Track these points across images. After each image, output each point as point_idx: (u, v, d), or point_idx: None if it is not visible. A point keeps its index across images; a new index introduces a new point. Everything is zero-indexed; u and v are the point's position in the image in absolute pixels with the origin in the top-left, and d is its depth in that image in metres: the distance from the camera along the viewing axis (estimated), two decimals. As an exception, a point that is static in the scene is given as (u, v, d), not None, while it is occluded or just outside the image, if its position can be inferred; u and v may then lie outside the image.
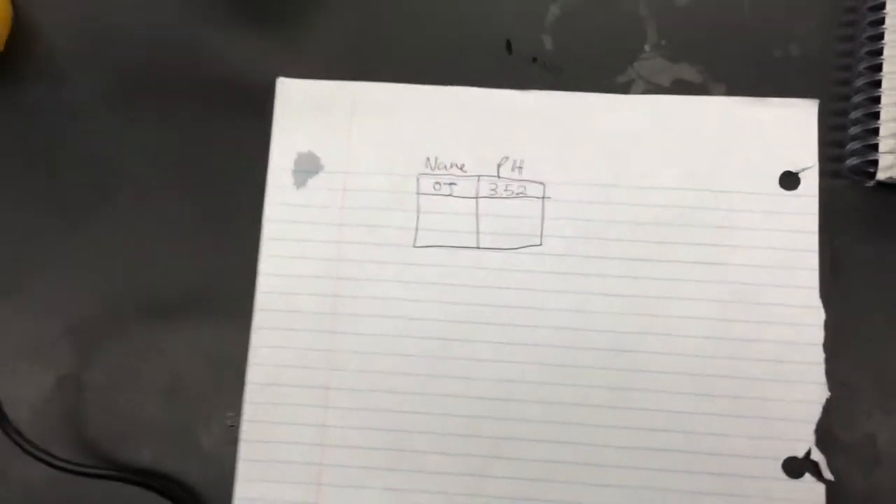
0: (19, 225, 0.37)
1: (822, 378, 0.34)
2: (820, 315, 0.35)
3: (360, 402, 0.35)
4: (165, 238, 0.37)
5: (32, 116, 0.38)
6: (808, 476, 0.34)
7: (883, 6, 0.36)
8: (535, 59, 0.38)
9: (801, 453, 0.34)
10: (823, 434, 0.34)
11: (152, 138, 0.38)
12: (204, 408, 0.35)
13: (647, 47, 0.38)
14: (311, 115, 0.37)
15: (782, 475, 0.34)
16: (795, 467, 0.34)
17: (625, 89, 0.37)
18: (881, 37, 0.36)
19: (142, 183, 0.37)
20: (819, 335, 0.35)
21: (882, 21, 0.36)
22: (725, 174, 0.36)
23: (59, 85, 0.38)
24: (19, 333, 0.36)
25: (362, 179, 0.37)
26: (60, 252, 0.37)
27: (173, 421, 0.35)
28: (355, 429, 0.34)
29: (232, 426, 0.35)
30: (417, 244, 0.36)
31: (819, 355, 0.35)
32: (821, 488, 0.34)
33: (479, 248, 0.36)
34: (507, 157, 0.37)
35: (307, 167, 0.37)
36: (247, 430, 0.35)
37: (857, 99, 0.36)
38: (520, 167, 0.36)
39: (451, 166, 0.37)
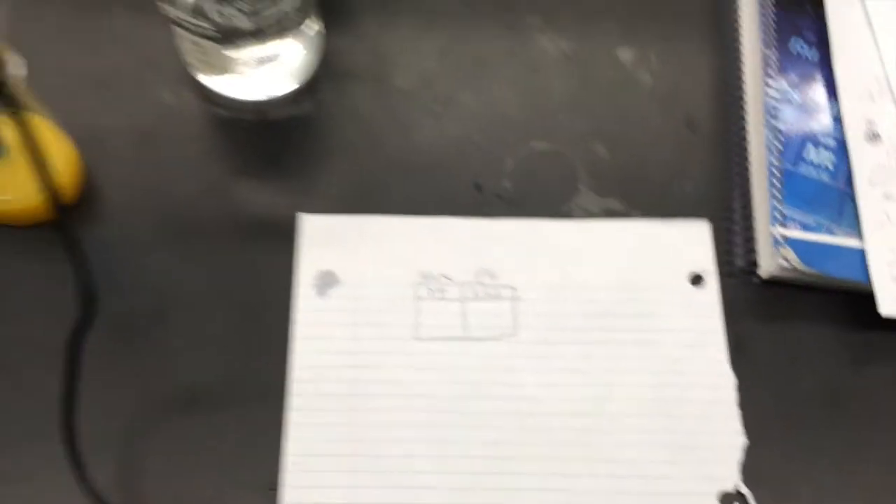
0: (87, 343, 0.44)
1: (740, 428, 0.44)
2: (732, 380, 0.45)
3: (380, 465, 0.42)
4: (210, 344, 0.45)
5: (97, 252, 0.46)
6: (737, 504, 0.43)
7: (747, 158, 0.50)
8: (499, 196, 0.49)
9: (731, 488, 0.43)
10: (746, 470, 0.44)
11: (199, 265, 0.46)
12: (247, 477, 0.42)
13: (581, 186, 0.50)
14: (328, 242, 0.47)
15: (718, 505, 0.43)
16: (729, 499, 0.43)
17: (567, 215, 0.49)
18: (748, 171, 0.49)
19: (190, 301, 0.46)
20: (733, 395, 0.45)
21: (747, 161, 0.50)
22: (647, 276, 0.47)
23: (118, 226, 0.47)
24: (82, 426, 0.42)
25: (371, 289, 0.46)
26: (118, 361, 0.44)
27: (220, 489, 0.42)
28: (377, 488, 0.42)
29: (272, 490, 0.42)
30: (417, 337, 0.45)
31: (735, 410, 0.45)
32: (747, 513, 0.43)
33: (466, 338, 0.45)
34: (483, 268, 0.47)
35: (327, 281, 0.46)
36: (288, 493, 0.42)
37: (737, 217, 0.49)
38: (493, 275, 0.47)
39: (441, 277, 0.47)
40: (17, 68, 0.40)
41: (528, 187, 0.50)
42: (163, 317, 0.45)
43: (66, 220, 0.39)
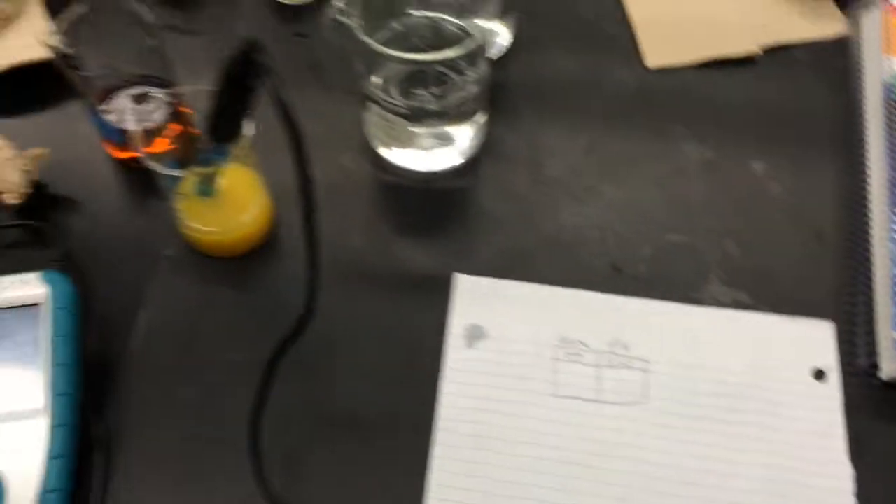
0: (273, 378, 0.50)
1: (856, 518, 0.46)
2: (849, 472, 0.48)
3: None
4: (370, 377, 0.50)
5: (279, 286, 0.53)
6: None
7: (870, 269, 0.53)
8: (635, 278, 0.54)
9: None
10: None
11: (364, 308, 0.52)
12: (393, 496, 0.46)
13: (712, 277, 0.54)
14: (479, 300, 0.52)
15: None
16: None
17: (698, 302, 0.53)
18: (872, 280, 0.53)
19: (353, 338, 0.51)
20: (850, 486, 0.47)
21: (871, 271, 0.53)
22: (772, 366, 0.51)
23: (297, 265, 0.54)
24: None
25: (514, 345, 0.51)
26: (292, 382, 0.49)
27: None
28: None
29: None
30: (555, 394, 0.49)
31: (852, 501, 0.47)
32: None
33: (599, 401, 0.49)
34: (617, 340, 0.51)
35: (475, 334, 0.51)
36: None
37: (860, 320, 0.52)
38: (626, 347, 0.51)
39: (578, 342, 0.51)
40: (249, 129, 0.47)
41: (662, 273, 0.54)
42: (331, 349, 0.51)
43: (315, 249, 0.46)
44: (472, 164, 0.59)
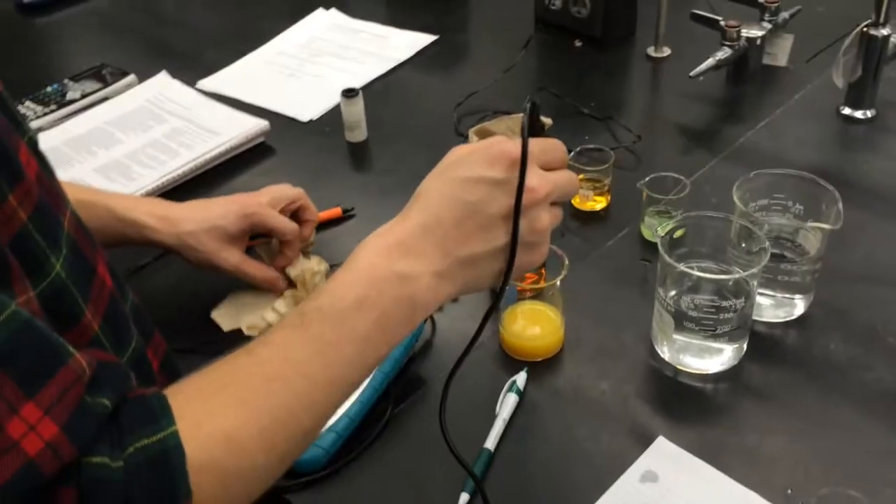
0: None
1: None
2: None
3: None
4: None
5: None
6: None
7: None
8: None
9: None
10: None
11: (562, 434, 0.70)
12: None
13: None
14: (667, 461, 0.66)
15: None
16: None
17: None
18: None
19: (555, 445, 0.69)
20: None
21: None
22: None
23: (586, 376, 0.74)
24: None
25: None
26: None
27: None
28: None
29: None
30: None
31: None
32: None
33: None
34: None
35: (649, 477, 0.65)
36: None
37: None
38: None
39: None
40: (564, 269, 0.70)
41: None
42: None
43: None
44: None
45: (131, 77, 1.18)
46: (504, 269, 0.57)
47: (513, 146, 0.55)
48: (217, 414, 0.49)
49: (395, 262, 0.54)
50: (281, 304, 0.82)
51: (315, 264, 0.85)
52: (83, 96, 1.14)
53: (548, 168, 0.57)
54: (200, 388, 0.50)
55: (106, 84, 1.16)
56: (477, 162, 0.55)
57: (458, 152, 0.58)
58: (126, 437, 0.45)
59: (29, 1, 1.40)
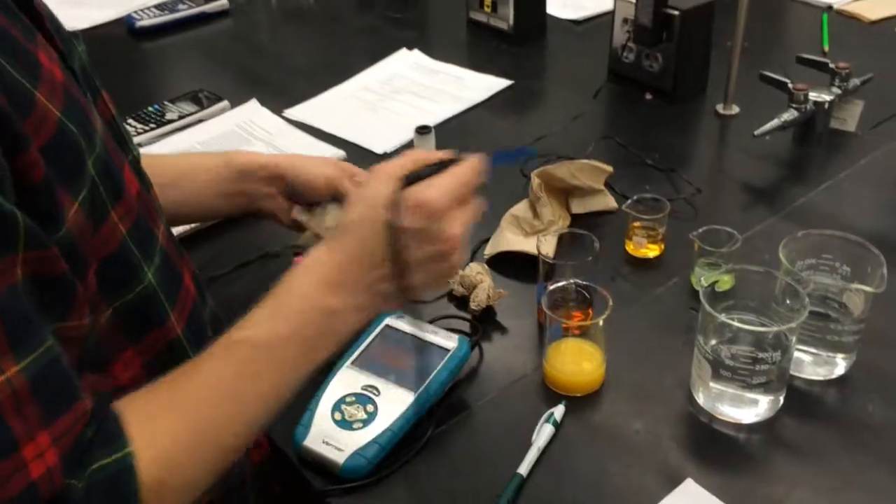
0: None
1: None
2: None
3: None
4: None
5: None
6: None
7: None
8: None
9: None
10: None
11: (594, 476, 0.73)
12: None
13: None
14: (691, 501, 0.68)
15: None
16: None
17: None
18: None
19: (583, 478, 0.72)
20: None
21: None
22: None
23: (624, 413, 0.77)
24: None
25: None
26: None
27: None
28: None
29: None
30: None
31: None
32: None
33: None
34: None
35: (677, 525, 0.67)
36: None
37: None
38: None
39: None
40: (607, 309, 0.74)
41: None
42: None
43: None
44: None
45: (224, 102, 1.27)
46: (406, 285, 0.62)
47: (433, 195, 0.61)
48: (161, 434, 0.54)
49: (324, 298, 0.61)
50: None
51: None
52: (180, 117, 1.23)
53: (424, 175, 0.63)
54: (147, 407, 0.55)
55: (201, 107, 1.26)
56: (400, 206, 0.60)
57: (375, 185, 0.62)
58: (86, 456, 0.49)
59: (140, 26, 1.51)
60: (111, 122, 0.64)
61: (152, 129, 1.20)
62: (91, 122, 0.56)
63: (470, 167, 0.65)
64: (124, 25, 1.53)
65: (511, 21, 1.44)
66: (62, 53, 0.58)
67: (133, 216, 0.59)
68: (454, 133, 1.23)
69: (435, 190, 0.61)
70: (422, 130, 1.11)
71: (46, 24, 0.58)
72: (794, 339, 0.73)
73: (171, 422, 0.55)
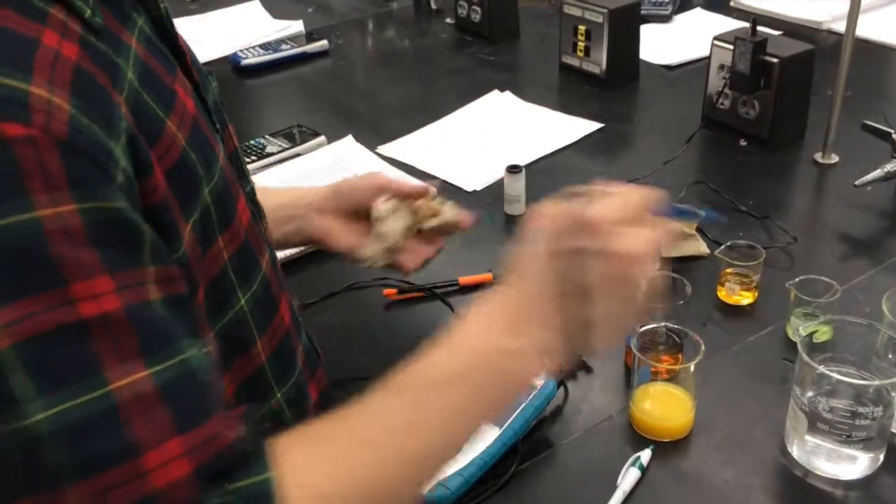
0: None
1: None
2: None
3: None
4: None
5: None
6: None
7: None
8: None
9: None
10: None
11: None
12: None
13: None
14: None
15: None
16: None
17: None
18: None
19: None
20: None
21: None
22: None
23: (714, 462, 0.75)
24: None
25: None
26: None
27: None
28: None
29: None
30: None
31: None
32: None
33: None
34: None
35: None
36: None
37: None
38: None
39: None
40: (700, 354, 0.72)
41: None
42: None
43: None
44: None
45: (321, 138, 1.32)
46: (589, 318, 0.55)
47: (597, 212, 0.54)
48: (313, 469, 0.50)
49: (499, 338, 0.55)
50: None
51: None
52: (279, 151, 1.28)
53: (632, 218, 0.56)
54: (303, 442, 0.51)
55: (298, 142, 1.30)
56: (566, 232, 0.55)
57: (542, 220, 0.57)
58: (226, 475, 0.46)
59: (245, 65, 1.59)
60: (233, 154, 0.67)
61: (253, 160, 1.25)
62: (215, 152, 0.59)
63: (638, 188, 0.58)
64: (230, 63, 1.61)
65: (603, 65, 1.45)
66: (197, 86, 0.62)
67: (238, 243, 0.61)
68: (544, 173, 1.23)
69: (596, 206, 0.55)
70: (512, 169, 1.12)
71: (188, 59, 0.62)
72: (896, 394, 0.70)
73: (327, 459, 0.51)
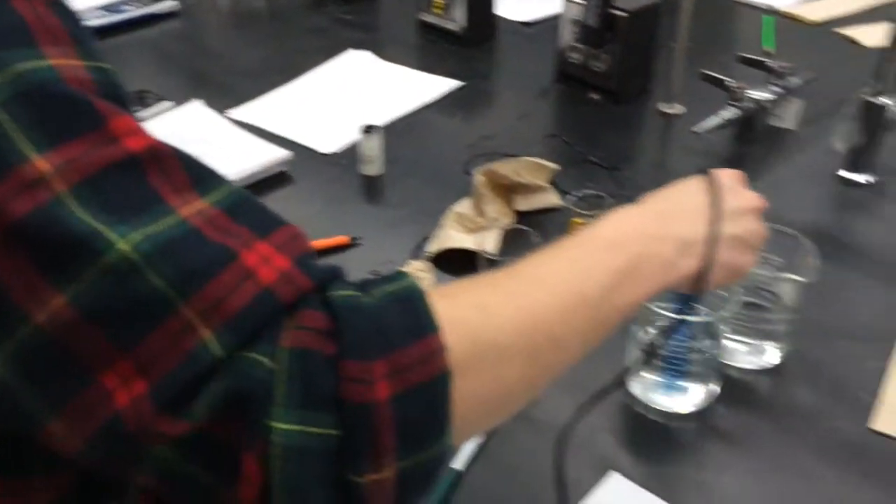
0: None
1: None
2: None
3: None
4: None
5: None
6: None
7: None
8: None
9: None
10: None
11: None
12: None
13: None
14: (616, 499, 0.69)
15: None
16: None
17: None
18: None
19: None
20: None
21: None
22: None
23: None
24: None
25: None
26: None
27: None
28: None
29: None
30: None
31: None
32: None
33: None
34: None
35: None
36: None
37: None
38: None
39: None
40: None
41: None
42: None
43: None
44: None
45: (167, 103, 1.26)
46: (718, 234, 0.60)
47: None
48: (472, 292, 0.50)
49: (644, 226, 0.59)
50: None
51: None
52: (123, 117, 1.21)
53: None
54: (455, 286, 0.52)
55: (143, 108, 1.24)
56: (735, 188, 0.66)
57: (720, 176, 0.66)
58: (369, 286, 0.46)
59: (86, 28, 1.49)
60: None
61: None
62: None
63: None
64: (70, 26, 1.51)
65: (462, 23, 1.44)
66: None
67: None
68: (403, 133, 1.22)
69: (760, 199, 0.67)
70: (367, 129, 1.11)
71: None
72: (725, 328, 0.74)
73: (484, 289, 0.51)
